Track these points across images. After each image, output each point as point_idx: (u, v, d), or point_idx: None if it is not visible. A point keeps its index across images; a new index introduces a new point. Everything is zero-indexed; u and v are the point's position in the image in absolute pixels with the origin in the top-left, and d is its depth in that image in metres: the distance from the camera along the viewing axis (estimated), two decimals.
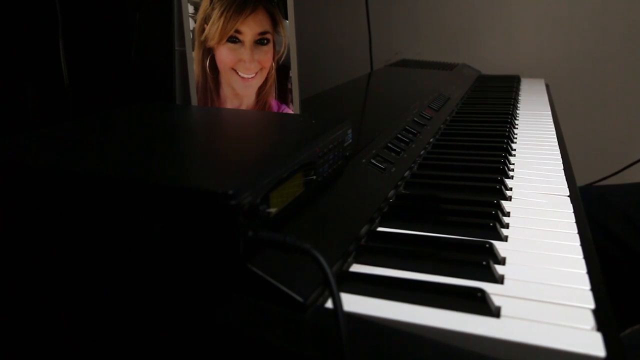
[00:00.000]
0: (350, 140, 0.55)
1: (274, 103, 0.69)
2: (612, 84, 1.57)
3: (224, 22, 0.66)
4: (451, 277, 0.42)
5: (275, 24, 0.67)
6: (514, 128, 0.94)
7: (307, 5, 0.99)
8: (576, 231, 0.51)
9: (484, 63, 1.63)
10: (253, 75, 0.68)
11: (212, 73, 0.68)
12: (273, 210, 0.38)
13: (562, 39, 1.59)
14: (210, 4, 0.66)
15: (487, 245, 0.45)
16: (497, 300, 0.38)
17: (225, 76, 0.68)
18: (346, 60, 1.24)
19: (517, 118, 1.03)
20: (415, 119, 0.84)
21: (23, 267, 0.40)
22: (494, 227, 0.49)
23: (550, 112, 1.08)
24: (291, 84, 0.68)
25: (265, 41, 0.67)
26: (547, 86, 1.42)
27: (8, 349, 0.43)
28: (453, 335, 0.34)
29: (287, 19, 0.66)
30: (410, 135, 0.75)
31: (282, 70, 0.68)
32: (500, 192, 0.60)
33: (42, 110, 0.80)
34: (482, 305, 0.36)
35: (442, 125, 0.91)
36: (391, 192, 0.58)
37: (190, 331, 0.34)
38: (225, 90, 0.68)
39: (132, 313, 0.37)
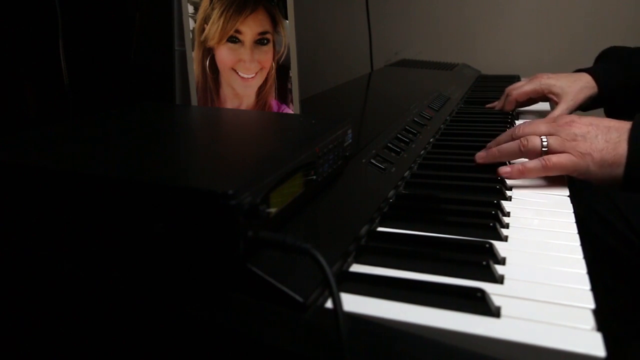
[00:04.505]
0: (350, 140, 0.55)
1: (274, 103, 0.69)
2: None
3: (223, 22, 0.66)
4: (451, 277, 0.42)
5: (275, 24, 0.67)
6: None
7: (307, 5, 0.99)
8: (576, 231, 0.51)
9: (484, 63, 1.62)
10: (253, 75, 0.68)
11: (212, 73, 0.68)
12: (273, 210, 0.38)
13: (562, 39, 1.59)
14: (210, 4, 0.66)
15: (487, 245, 0.45)
16: (497, 300, 0.38)
17: (225, 76, 0.68)
18: (346, 60, 1.24)
19: (517, 118, 1.03)
20: (415, 119, 0.84)
21: (23, 266, 0.40)
22: (494, 227, 0.49)
23: (550, 112, 1.08)
24: (291, 84, 0.68)
25: (265, 41, 0.67)
26: None
27: (8, 349, 0.43)
28: (453, 335, 0.34)
29: (287, 19, 0.66)
30: (410, 135, 0.75)
31: (282, 70, 0.68)
32: (500, 192, 0.60)
33: (42, 110, 0.80)
34: (482, 305, 0.36)
35: (442, 125, 0.91)
36: (391, 192, 0.58)
37: (190, 331, 0.34)
38: (225, 90, 0.68)
39: (132, 313, 0.37)
